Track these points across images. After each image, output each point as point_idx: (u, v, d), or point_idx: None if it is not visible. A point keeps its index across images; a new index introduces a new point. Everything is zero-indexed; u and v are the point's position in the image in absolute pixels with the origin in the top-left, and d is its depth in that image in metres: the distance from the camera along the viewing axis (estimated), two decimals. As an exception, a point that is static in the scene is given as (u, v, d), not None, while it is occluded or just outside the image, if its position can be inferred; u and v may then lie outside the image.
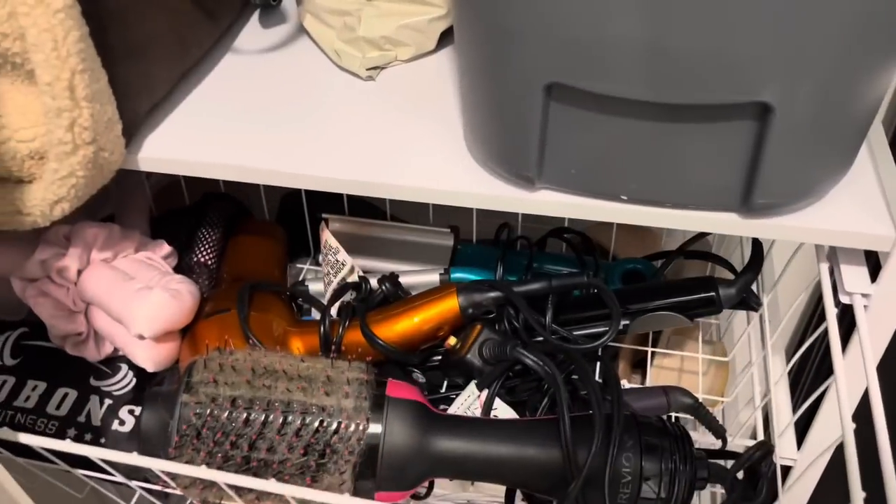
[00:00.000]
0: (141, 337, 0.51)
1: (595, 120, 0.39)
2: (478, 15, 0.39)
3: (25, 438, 0.41)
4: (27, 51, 0.41)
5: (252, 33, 0.60)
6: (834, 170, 0.41)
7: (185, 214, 0.65)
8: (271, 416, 0.44)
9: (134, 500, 0.55)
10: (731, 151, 0.38)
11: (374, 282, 0.59)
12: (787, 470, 0.56)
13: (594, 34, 0.35)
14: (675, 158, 0.39)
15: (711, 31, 0.33)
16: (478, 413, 0.51)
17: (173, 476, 0.44)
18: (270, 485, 0.41)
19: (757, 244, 0.54)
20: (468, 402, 0.51)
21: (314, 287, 0.63)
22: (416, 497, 0.52)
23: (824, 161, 0.40)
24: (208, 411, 0.44)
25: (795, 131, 0.36)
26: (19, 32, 0.40)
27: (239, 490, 0.45)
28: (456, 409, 0.52)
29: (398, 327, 0.54)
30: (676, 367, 0.67)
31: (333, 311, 0.58)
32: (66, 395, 0.55)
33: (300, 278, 0.69)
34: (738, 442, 0.59)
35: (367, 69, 0.54)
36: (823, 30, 0.33)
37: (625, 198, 0.42)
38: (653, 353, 0.65)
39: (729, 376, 0.68)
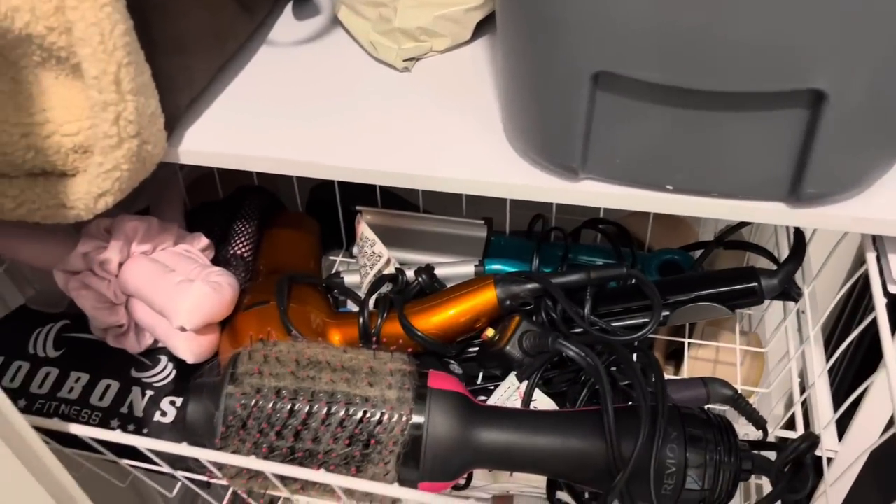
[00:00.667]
0: (182, 329, 0.52)
1: (642, 109, 0.38)
2: (523, 3, 0.38)
3: (77, 429, 0.42)
4: (73, 45, 0.41)
5: (286, 26, 0.60)
6: (885, 158, 0.40)
7: (220, 207, 0.66)
8: (316, 407, 0.44)
9: (176, 489, 0.56)
10: (782, 140, 0.38)
11: (410, 273, 0.59)
12: (827, 462, 0.55)
13: (644, 22, 0.34)
14: (723, 147, 0.39)
15: (766, 17, 0.32)
16: (517, 404, 0.51)
17: (220, 466, 0.45)
18: (319, 475, 0.41)
19: (799, 234, 0.53)
20: (508, 393, 0.51)
21: (349, 279, 0.63)
22: (456, 487, 0.52)
23: (876, 149, 0.39)
24: (253, 402, 0.44)
25: (848, 119, 0.36)
26: (66, 27, 0.41)
27: (284, 480, 0.45)
28: (495, 400, 0.52)
29: (436, 319, 0.55)
30: (712, 358, 0.67)
31: (371, 303, 0.58)
32: (108, 386, 0.56)
33: (333, 270, 0.69)
34: (775, 433, 0.59)
35: (403, 60, 0.54)
36: (881, 15, 0.32)
37: (670, 187, 0.42)
38: (688, 343, 0.65)
39: (764, 368, 0.68)
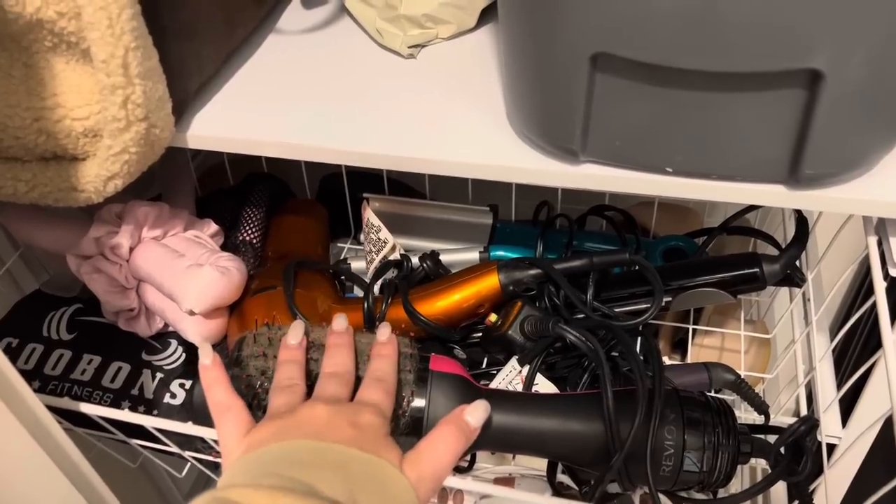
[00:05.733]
0: (191, 312, 0.53)
1: (641, 90, 0.39)
2: (523, -14, 0.39)
3: (87, 408, 0.43)
4: (83, 29, 0.42)
5: (294, 14, 0.60)
6: (884, 139, 0.40)
7: (230, 194, 0.67)
8: (319, 389, 0.44)
9: (185, 470, 0.57)
10: (780, 121, 0.38)
11: (415, 260, 0.60)
12: (830, 449, 0.55)
13: (642, 2, 0.34)
14: (721, 129, 0.39)
15: (762, -3, 0.32)
16: (519, 388, 0.52)
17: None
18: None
19: (801, 219, 0.53)
20: (510, 377, 0.52)
21: (356, 265, 0.64)
22: (458, 470, 0.53)
23: (875, 130, 0.39)
24: (258, 384, 0.45)
25: (846, 99, 0.36)
26: (75, 12, 0.42)
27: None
28: (497, 383, 0.52)
29: (439, 304, 0.55)
30: (717, 345, 0.67)
31: (376, 288, 0.59)
32: (119, 368, 0.57)
33: (341, 257, 0.70)
34: (781, 419, 0.59)
35: (409, 47, 0.54)
36: (877, -5, 0.32)
37: (670, 170, 0.42)
38: (694, 331, 0.65)
39: (770, 356, 0.68)
